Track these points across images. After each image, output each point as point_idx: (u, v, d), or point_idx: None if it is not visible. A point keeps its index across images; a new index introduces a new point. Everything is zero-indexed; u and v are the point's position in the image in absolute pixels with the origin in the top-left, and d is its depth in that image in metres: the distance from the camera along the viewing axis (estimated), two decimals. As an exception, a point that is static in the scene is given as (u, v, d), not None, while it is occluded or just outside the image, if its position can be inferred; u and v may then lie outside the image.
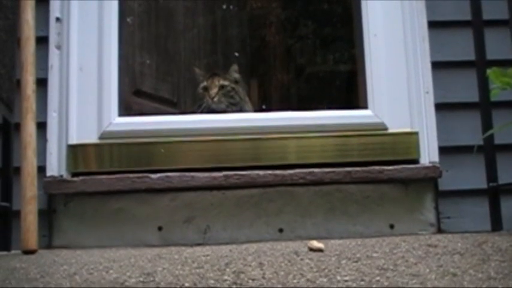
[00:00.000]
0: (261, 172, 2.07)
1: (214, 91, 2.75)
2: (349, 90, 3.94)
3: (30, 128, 1.84)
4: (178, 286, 1.21)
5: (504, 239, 1.61)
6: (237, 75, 2.89)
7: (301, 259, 1.42)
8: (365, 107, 2.24)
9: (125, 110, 2.45)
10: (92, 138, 2.14)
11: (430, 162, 2.13)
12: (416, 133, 2.16)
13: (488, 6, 2.05)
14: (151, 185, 2.06)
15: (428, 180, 2.14)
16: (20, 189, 1.82)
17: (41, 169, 2.01)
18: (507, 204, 1.98)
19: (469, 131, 2.12)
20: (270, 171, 2.07)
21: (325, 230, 2.10)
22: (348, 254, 1.47)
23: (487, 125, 1.95)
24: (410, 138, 2.16)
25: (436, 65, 2.20)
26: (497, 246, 1.49)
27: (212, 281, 1.24)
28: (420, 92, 2.19)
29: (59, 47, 2.17)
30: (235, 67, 2.92)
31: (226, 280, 1.24)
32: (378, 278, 1.24)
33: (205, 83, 2.81)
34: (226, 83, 2.79)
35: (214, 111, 2.63)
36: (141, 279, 1.27)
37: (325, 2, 4.91)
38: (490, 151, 1.96)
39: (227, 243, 1.97)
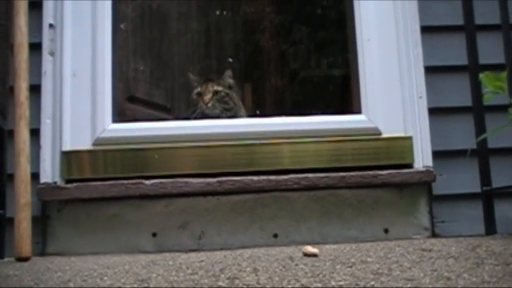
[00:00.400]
0: (255, 177, 2.07)
1: (208, 97, 2.75)
2: (343, 95, 3.94)
3: (23, 135, 1.84)
4: (172, 292, 1.21)
5: (498, 242, 1.62)
6: (231, 81, 2.90)
7: (296, 264, 1.42)
8: (359, 112, 2.24)
9: (119, 116, 2.45)
10: (86, 144, 2.13)
11: (424, 167, 2.14)
12: (410, 138, 2.17)
13: (481, 11, 2.06)
14: (145, 191, 2.05)
15: (423, 185, 2.14)
16: (13, 196, 1.81)
17: (35, 176, 2.01)
18: (501, 207, 1.98)
19: (462, 135, 2.13)
20: (264, 177, 2.07)
21: (320, 234, 2.10)
22: (343, 259, 1.47)
23: (480, 129, 1.96)
24: (404, 143, 2.16)
25: (429, 70, 2.21)
26: (491, 250, 1.50)
27: (206, 287, 1.24)
28: (414, 97, 2.20)
29: (52, 53, 2.17)
30: (229, 72, 2.93)
31: (220, 286, 1.24)
32: (372, 282, 1.24)
33: (199, 89, 2.81)
34: (220, 88, 2.79)
35: (209, 116, 2.63)
36: (136, 285, 1.27)
37: (318, 7, 4.92)
38: (483, 155, 1.97)
39: (222, 249, 1.96)
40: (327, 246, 1.76)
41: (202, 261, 1.52)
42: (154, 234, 2.08)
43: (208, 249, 2.00)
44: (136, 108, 3.12)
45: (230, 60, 4.75)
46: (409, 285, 1.20)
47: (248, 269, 1.39)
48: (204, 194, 2.09)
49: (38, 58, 2.13)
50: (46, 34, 2.17)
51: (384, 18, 2.27)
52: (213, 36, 4.54)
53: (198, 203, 2.10)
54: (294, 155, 2.15)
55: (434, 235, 2.12)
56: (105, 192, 2.05)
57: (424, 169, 2.13)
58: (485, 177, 1.96)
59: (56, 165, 2.10)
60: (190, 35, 4.20)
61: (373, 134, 2.19)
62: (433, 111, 2.19)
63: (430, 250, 1.55)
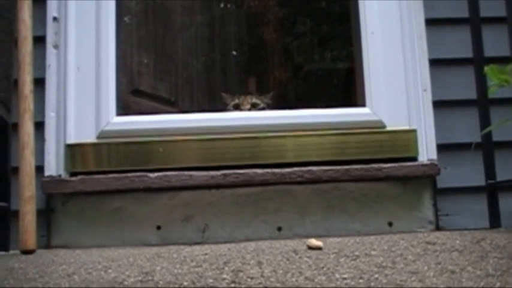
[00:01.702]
0: (259, 171, 2.07)
1: (246, 107, 2.82)
2: (347, 88, 3.94)
3: (28, 128, 1.84)
4: (177, 285, 1.21)
5: (502, 235, 1.61)
6: (269, 101, 2.99)
7: (300, 257, 1.43)
8: (363, 104, 2.24)
9: (123, 109, 2.44)
10: (90, 137, 2.14)
11: (428, 160, 2.14)
12: (414, 131, 2.16)
13: (486, 3, 2.05)
14: (149, 184, 2.06)
15: (427, 178, 2.14)
16: (18, 189, 1.82)
17: (39, 169, 2.01)
18: (505, 201, 1.98)
19: (467, 129, 2.13)
20: (268, 170, 2.07)
21: (324, 228, 2.10)
22: (347, 252, 1.47)
23: (485, 122, 1.95)
24: (408, 136, 2.16)
25: (434, 63, 2.21)
26: (496, 243, 1.49)
27: (211, 280, 1.24)
28: (418, 90, 2.19)
29: (56, 47, 2.17)
30: (271, 94, 3.03)
31: (225, 279, 1.24)
32: (376, 275, 1.24)
33: (236, 101, 2.88)
34: (258, 101, 2.89)
35: None
36: (140, 278, 1.27)
37: (322, 0, 4.91)
38: (488, 148, 1.97)
39: (226, 242, 1.97)
40: (331, 240, 1.76)
41: (206, 254, 1.53)
42: (158, 227, 2.09)
43: (212, 242, 2.00)
44: (140, 102, 3.12)
45: (234, 53, 4.74)
46: (413, 278, 1.20)
47: (252, 261, 1.39)
48: (208, 187, 2.09)
49: (42, 51, 2.14)
50: (50, 27, 2.17)
51: (388, 11, 2.26)
52: (217, 30, 4.54)
53: (202, 196, 2.10)
54: (298, 148, 2.15)
55: (438, 228, 2.12)
56: (109, 185, 2.05)
57: (428, 162, 2.13)
58: (489, 170, 1.96)
59: (60, 158, 2.10)
60: (194, 29, 4.20)
61: (377, 127, 2.18)
62: (438, 104, 2.18)
63: (434, 243, 1.55)
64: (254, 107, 2.84)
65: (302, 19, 4.94)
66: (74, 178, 2.07)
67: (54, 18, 2.18)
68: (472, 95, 2.03)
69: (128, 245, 2.01)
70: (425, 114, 2.17)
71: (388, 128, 2.18)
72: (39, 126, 2.05)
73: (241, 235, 2.08)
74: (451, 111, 2.19)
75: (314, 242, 1.58)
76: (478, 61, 1.99)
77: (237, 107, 2.83)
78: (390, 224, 2.11)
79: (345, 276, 1.24)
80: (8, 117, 1.92)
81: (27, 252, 1.77)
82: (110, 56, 2.20)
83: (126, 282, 1.24)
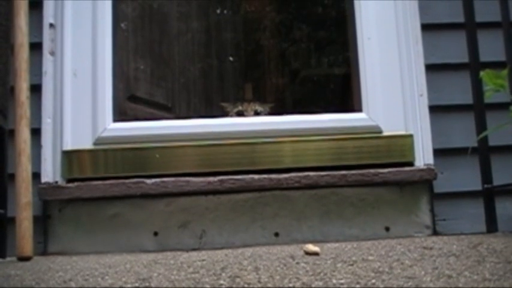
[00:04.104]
0: (256, 176, 2.07)
1: (250, 114, 2.85)
2: (344, 94, 3.94)
3: (24, 135, 1.84)
4: (173, 291, 1.21)
5: (499, 240, 1.61)
6: (269, 111, 3.00)
7: (297, 263, 1.42)
8: (359, 110, 2.24)
9: (120, 115, 2.45)
10: (87, 144, 2.14)
11: (425, 165, 2.14)
12: (411, 136, 2.17)
13: (481, 8, 2.06)
14: (146, 190, 2.05)
15: (424, 183, 2.14)
16: (14, 195, 1.81)
17: (36, 175, 2.01)
18: (502, 205, 1.98)
19: (463, 133, 2.13)
20: (265, 175, 2.07)
21: (321, 233, 2.10)
22: (344, 257, 1.47)
23: (481, 126, 1.96)
24: (405, 141, 2.16)
25: (430, 68, 2.21)
26: (493, 248, 1.50)
27: (208, 286, 1.24)
28: (414, 95, 2.20)
29: (52, 53, 2.17)
30: (271, 105, 3.05)
31: (222, 285, 1.24)
32: (373, 281, 1.24)
33: (239, 108, 2.89)
34: (261, 109, 2.91)
35: None
36: (137, 284, 1.27)
37: (319, 6, 4.92)
38: (484, 153, 1.97)
39: (223, 248, 1.96)
40: (328, 245, 1.76)
41: (203, 260, 1.52)
42: (155, 234, 2.08)
43: (209, 248, 2.00)
44: (137, 108, 3.12)
45: (231, 59, 4.75)
46: (410, 283, 1.20)
47: (249, 267, 1.39)
48: (205, 193, 2.09)
49: (39, 58, 2.14)
50: (46, 34, 2.17)
51: (384, 16, 2.27)
52: (214, 35, 4.54)
53: (199, 202, 2.10)
54: (295, 153, 2.15)
55: (435, 233, 2.12)
56: (106, 192, 2.05)
57: (425, 167, 2.13)
58: (486, 175, 1.96)
59: (57, 164, 2.10)
60: (191, 34, 4.20)
61: (374, 132, 2.19)
62: (434, 109, 2.19)
63: (431, 248, 1.55)
64: (257, 114, 2.84)
65: (299, 25, 4.95)
66: (70, 184, 2.07)
67: (51, 25, 2.18)
68: (468, 99, 2.03)
69: (125, 252, 2.01)
70: (422, 119, 2.17)
71: (385, 133, 2.19)
72: (36, 132, 2.05)
73: (239, 241, 2.08)
74: (448, 116, 2.20)
75: (311, 247, 1.58)
76: (474, 66, 1.99)
77: (240, 114, 2.84)
78: (387, 229, 2.11)
79: (342, 281, 1.24)
80: (5, 124, 1.92)
81: (23, 259, 1.77)
82: (107, 62, 2.20)
83: (122, 289, 1.24)
